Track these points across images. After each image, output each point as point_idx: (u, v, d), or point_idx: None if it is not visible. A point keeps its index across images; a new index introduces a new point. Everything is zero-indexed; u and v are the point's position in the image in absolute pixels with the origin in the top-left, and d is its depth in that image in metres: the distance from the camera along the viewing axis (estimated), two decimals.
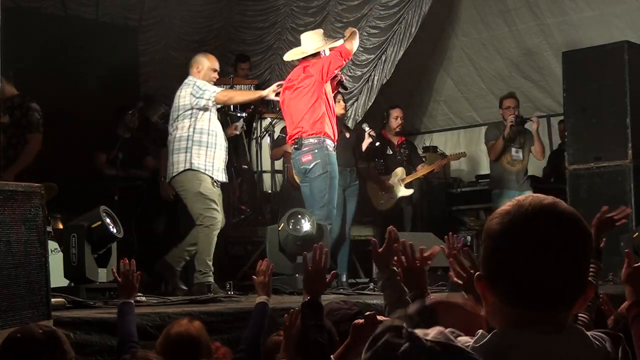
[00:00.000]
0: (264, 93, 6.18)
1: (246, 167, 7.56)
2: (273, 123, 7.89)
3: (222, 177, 5.93)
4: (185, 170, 5.78)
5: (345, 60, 6.20)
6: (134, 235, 6.64)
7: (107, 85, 7.77)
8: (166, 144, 7.14)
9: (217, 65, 6.10)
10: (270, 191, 7.98)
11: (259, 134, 7.85)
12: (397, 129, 7.88)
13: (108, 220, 4.80)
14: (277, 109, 8.13)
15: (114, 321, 3.42)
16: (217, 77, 6.14)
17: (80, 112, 7.42)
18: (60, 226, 5.77)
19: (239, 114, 7.57)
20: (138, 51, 8.72)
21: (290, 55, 6.45)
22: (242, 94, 5.90)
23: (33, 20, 7.69)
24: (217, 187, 5.88)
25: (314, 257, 2.94)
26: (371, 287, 5.74)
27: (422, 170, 7.89)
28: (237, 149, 6.90)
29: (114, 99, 7.68)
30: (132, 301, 3.41)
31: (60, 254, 4.80)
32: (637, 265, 2.51)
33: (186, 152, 5.80)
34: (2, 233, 3.00)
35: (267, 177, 8.03)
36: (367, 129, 7.33)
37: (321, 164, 5.99)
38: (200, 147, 5.81)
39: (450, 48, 9.67)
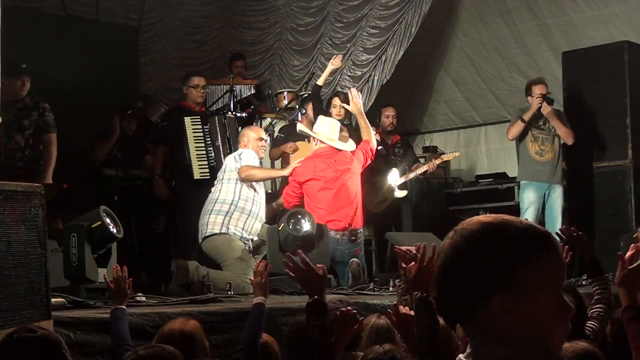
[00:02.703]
0: (284, 173, 6.35)
1: None
2: (273, 123, 7.89)
3: (251, 247, 5.99)
4: (220, 234, 5.82)
5: (371, 157, 6.63)
6: (134, 235, 6.65)
7: (107, 85, 7.77)
8: (163, 143, 7.19)
9: (262, 134, 6.32)
10: (270, 191, 7.97)
11: None
12: (389, 128, 7.84)
13: (108, 220, 4.79)
14: (278, 109, 8.16)
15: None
16: (265, 145, 6.41)
17: (80, 112, 7.42)
18: (60, 226, 5.77)
19: (238, 114, 7.57)
20: (138, 51, 8.72)
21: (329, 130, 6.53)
22: (264, 172, 6.14)
23: (33, 20, 7.69)
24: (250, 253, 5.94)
25: (289, 267, 2.89)
26: (371, 287, 5.73)
27: (415, 171, 7.82)
28: (232, 146, 6.87)
29: (114, 98, 7.68)
30: (125, 307, 3.43)
31: (60, 254, 4.79)
32: (631, 267, 2.52)
33: (226, 215, 5.85)
34: (2, 233, 3.00)
35: None
36: (373, 131, 7.31)
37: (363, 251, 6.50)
38: (242, 214, 5.89)
39: (450, 48, 9.67)
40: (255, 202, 6.03)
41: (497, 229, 1.38)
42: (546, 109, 7.12)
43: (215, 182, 6.10)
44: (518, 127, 7.23)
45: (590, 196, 7.36)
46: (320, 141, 6.43)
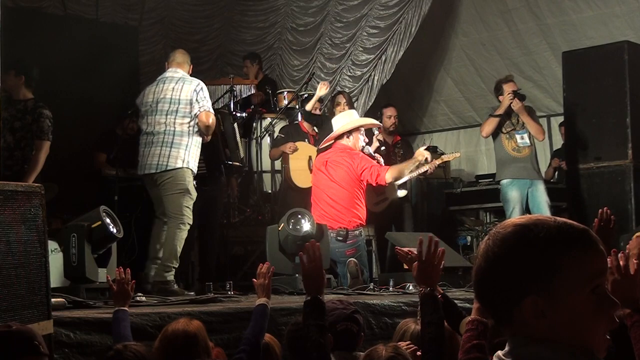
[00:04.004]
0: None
1: (238, 164, 7.40)
2: (273, 123, 7.89)
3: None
4: (183, 168, 5.76)
5: (374, 183, 6.37)
6: (134, 235, 6.64)
7: (107, 85, 7.77)
8: None
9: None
10: (270, 191, 7.98)
11: (259, 134, 7.85)
12: (391, 128, 7.83)
13: (108, 220, 4.79)
14: (278, 109, 8.16)
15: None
16: None
17: (80, 112, 7.42)
18: (60, 226, 5.77)
19: (238, 114, 7.57)
20: (138, 51, 8.72)
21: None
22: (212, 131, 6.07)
23: (33, 20, 7.68)
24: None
25: (308, 254, 2.95)
26: (371, 287, 5.74)
27: (414, 171, 7.77)
28: (227, 140, 6.83)
29: (113, 99, 7.67)
30: (127, 308, 3.43)
31: (60, 254, 4.79)
32: (612, 279, 2.51)
33: (186, 149, 5.80)
34: (2, 233, 3.00)
35: (267, 177, 8.04)
36: (376, 132, 7.30)
37: (363, 254, 6.45)
38: (194, 146, 5.85)
39: (450, 48, 9.68)
40: (201, 133, 5.95)
41: (529, 231, 1.37)
42: (516, 105, 7.12)
43: (166, 113, 5.84)
44: (491, 123, 7.19)
45: (590, 196, 7.35)
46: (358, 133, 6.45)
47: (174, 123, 5.81)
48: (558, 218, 1.40)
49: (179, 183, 5.76)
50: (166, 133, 5.80)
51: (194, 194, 5.81)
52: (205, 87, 5.92)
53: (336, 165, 6.34)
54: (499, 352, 1.41)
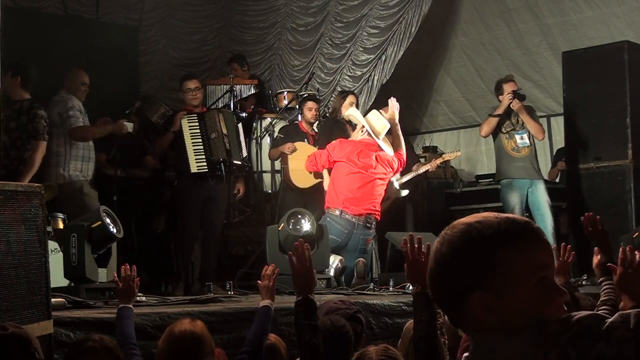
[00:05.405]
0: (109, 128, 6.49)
1: (239, 162, 7.38)
2: (273, 123, 7.89)
3: None
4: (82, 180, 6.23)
5: (402, 168, 6.86)
6: (134, 235, 6.65)
7: (107, 85, 7.75)
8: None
9: (86, 79, 6.46)
10: (270, 191, 7.97)
11: (259, 134, 7.84)
12: None
13: (108, 220, 4.79)
14: (278, 109, 8.16)
15: (114, 321, 3.43)
16: (87, 90, 6.49)
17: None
18: (61, 226, 5.77)
19: (239, 114, 7.56)
20: (138, 51, 8.72)
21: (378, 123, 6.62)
22: (93, 130, 6.45)
23: (33, 20, 7.68)
24: None
25: (296, 254, 2.94)
26: (371, 287, 5.74)
27: (415, 170, 7.80)
28: (229, 138, 6.82)
29: (113, 99, 7.66)
30: (131, 306, 3.42)
31: (60, 254, 4.79)
32: (621, 271, 2.52)
33: (84, 161, 6.29)
34: (2, 233, 3.00)
35: (267, 177, 8.03)
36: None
37: (373, 246, 6.80)
38: (77, 161, 6.25)
39: (450, 48, 9.67)
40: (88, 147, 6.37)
41: (472, 229, 1.39)
42: (516, 105, 7.13)
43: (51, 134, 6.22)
44: (490, 123, 7.21)
45: (590, 196, 7.36)
46: (368, 133, 6.52)
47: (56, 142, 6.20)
48: (502, 214, 1.41)
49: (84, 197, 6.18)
50: (65, 154, 6.23)
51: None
52: (70, 105, 6.25)
53: (384, 163, 6.51)
54: (466, 354, 1.42)
